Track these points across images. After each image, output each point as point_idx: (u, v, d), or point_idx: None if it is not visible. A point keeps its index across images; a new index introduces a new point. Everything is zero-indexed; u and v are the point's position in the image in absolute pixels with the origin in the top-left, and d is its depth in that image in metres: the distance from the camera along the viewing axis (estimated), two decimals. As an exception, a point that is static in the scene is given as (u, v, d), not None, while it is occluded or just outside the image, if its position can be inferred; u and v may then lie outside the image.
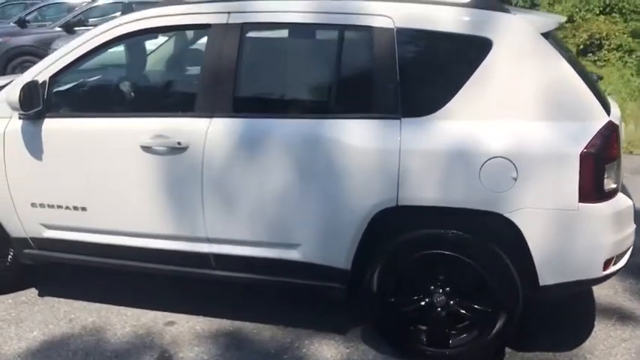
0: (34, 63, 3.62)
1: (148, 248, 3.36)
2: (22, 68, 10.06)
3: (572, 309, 3.64)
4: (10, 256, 3.75)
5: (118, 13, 11.07)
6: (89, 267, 3.70)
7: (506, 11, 2.99)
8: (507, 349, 3.25)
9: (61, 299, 3.82)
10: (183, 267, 3.39)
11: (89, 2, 11.51)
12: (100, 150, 3.30)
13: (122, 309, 3.70)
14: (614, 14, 13.11)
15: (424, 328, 3.14)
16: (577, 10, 13.09)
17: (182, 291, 3.81)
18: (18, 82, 3.36)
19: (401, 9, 3.01)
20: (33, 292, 3.91)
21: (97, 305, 3.74)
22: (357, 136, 2.97)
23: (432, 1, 3.07)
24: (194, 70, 3.26)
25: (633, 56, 11.73)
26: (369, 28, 3.00)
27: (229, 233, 3.22)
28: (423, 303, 3.09)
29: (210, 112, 3.15)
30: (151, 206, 3.27)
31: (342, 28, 3.10)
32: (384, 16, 2.98)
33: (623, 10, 13.40)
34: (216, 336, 3.44)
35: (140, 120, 3.29)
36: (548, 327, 3.44)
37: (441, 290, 3.07)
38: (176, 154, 3.16)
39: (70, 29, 10.45)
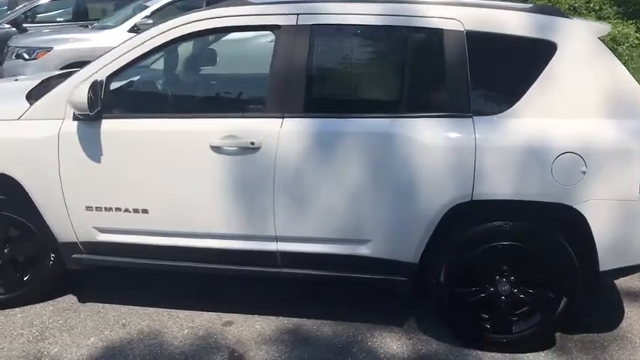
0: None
1: (212, 248, 3.35)
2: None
3: (598, 295, 3.90)
4: (50, 262, 3.62)
5: (70, 9, 10.74)
6: (121, 270, 3.63)
7: (566, 16, 3.20)
8: (556, 333, 3.47)
9: (105, 304, 3.72)
10: (246, 266, 3.39)
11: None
12: (165, 151, 3.25)
13: (172, 311, 3.65)
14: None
15: (488, 316, 3.30)
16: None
17: (230, 291, 3.81)
18: (73, 82, 3.27)
19: (470, 13, 3.16)
20: (72, 298, 3.79)
21: (144, 309, 3.68)
22: (431, 135, 3.09)
23: (498, 6, 3.24)
24: (263, 70, 3.26)
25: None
26: (439, 31, 3.13)
27: (299, 231, 3.26)
28: (489, 292, 3.25)
29: (280, 112, 3.18)
30: (219, 206, 3.27)
31: (413, 30, 3.21)
32: (454, 19, 3.12)
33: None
34: (279, 334, 3.46)
35: (209, 120, 3.28)
36: (582, 312, 3.67)
37: (505, 279, 3.24)
38: (248, 154, 3.17)
39: (19, 26, 10.02)
